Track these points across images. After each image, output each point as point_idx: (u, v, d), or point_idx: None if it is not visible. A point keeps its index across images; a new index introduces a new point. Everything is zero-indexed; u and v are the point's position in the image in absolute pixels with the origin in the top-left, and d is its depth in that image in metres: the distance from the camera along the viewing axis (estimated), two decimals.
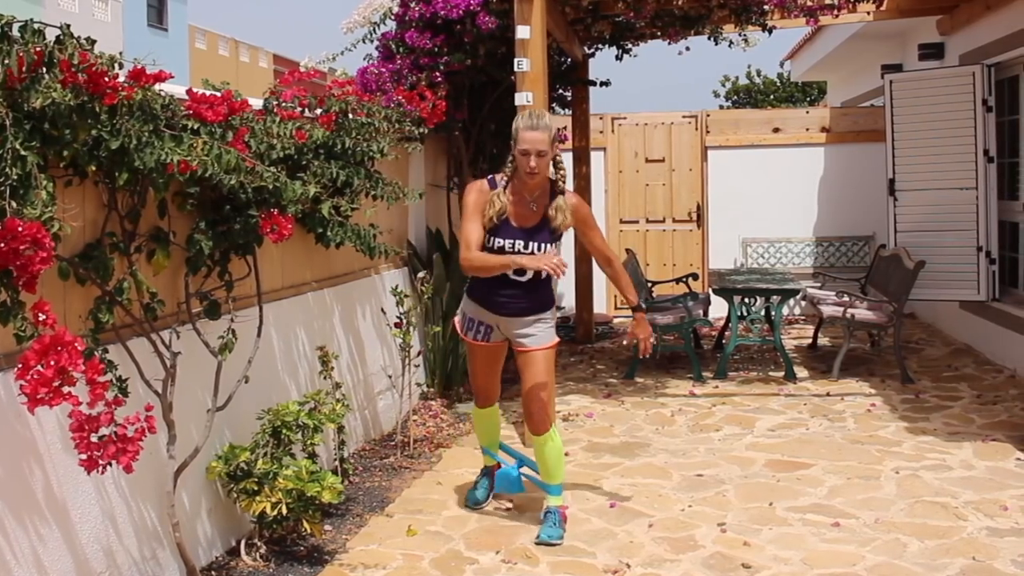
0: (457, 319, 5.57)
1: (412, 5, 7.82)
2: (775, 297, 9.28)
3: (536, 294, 5.28)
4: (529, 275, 5.18)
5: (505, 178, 5.24)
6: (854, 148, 12.54)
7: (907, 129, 9.92)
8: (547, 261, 4.97)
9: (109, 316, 4.03)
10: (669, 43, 9.57)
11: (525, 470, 5.68)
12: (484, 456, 5.88)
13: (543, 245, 5.17)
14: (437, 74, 7.82)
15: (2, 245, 3.07)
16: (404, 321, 6.87)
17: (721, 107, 33.03)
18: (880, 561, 4.83)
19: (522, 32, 6.61)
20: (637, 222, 12.98)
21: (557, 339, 5.45)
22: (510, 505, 5.76)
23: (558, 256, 5.12)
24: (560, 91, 10.68)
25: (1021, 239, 9.22)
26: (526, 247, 5.15)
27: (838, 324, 9.24)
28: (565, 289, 12.36)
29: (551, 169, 5.24)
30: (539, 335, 5.30)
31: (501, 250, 5.17)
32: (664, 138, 12.90)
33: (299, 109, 5.59)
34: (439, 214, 8.83)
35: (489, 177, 5.33)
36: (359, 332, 6.99)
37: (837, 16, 9.14)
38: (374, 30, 8.34)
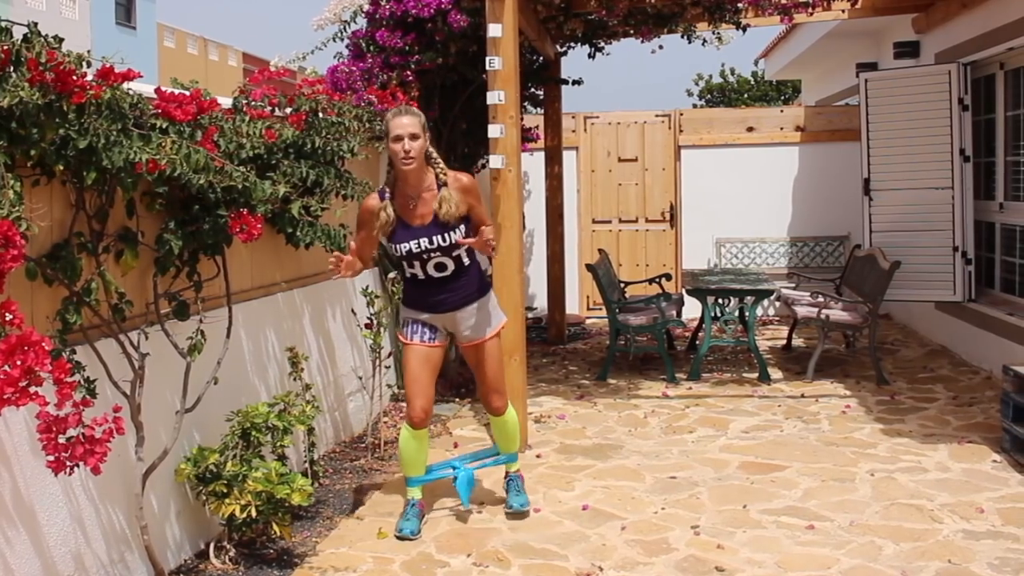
0: (400, 331, 5.51)
1: (383, 3, 7.76)
2: (749, 298, 9.26)
3: (468, 283, 5.36)
4: (449, 270, 5.26)
5: (388, 190, 5.24)
6: (829, 147, 12.57)
7: (882, 128, 9.94)
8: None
9: (77, 317, 3.99)
10: (642, 41, 9.54)
11: (472, 465, 5.76)
12: (410, 489, 5.52)
13: (447, 235, 5.15)
14: (408, 73, 7.77)
15: None
16: (374, 322, 6.85)
17: (694, 106, 33.10)
18: (855, 564, 4.81)
19: (494, 30, 6.57)
20: (610, 222, 12.98)
21: (504, 319, 5.59)
22: (480, 508, 5.72)
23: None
24: (532, 90, 10.66)
25: (997, 239, 9.25)
26: (431, 243, 5.16)
27: (813, 325, 9.24)
28: (537, 290, 12.37)
29: (428, 163, 5.19)
30: (485, 322, 5.41)
31: (410, 253, 5.19)
32: (637, 137, 12.89)
33: (269, 108, 5.56)
34: None
35: (380, 189, 5.33)
36: (329, 333, 6.94)
37: (811, 14, 9.15)
38: (344, 28, 8.29)
